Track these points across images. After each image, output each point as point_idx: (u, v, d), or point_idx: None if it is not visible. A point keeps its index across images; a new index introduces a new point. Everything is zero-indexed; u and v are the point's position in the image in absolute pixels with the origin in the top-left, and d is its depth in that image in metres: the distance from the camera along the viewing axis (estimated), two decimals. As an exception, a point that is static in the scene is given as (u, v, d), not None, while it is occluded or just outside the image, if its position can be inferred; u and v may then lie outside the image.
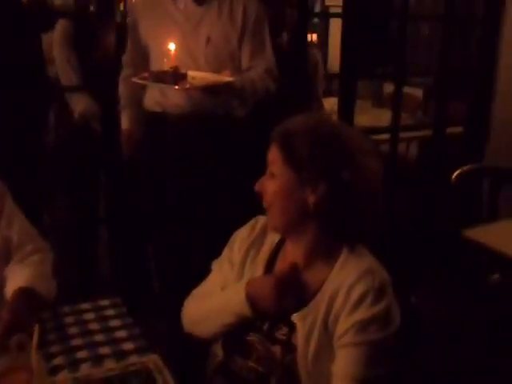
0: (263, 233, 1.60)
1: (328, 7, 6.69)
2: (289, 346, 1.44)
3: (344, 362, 1.37)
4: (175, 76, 2.20)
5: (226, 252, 1.65)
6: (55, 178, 3.29)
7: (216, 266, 1.67)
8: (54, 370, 1.41)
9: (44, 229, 2.02)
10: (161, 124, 2.56)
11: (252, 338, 1.50)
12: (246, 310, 1.46)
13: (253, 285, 1.48)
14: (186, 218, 2.61)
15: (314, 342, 1.40)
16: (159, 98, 2.55)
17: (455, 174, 2.78)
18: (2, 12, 2.73)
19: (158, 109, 2.56)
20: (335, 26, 5.00)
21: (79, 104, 3.07)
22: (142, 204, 2.79)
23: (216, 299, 1.58)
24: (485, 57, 3.67)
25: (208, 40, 2.46)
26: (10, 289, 1.69)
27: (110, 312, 1.71)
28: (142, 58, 2.59)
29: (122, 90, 2.72)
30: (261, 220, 1.61)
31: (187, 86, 2.22)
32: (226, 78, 2.31)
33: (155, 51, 2.52)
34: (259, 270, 1.55)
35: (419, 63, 5.12)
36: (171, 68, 2.20)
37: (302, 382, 1.41)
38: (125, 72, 2.70)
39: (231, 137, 2.56)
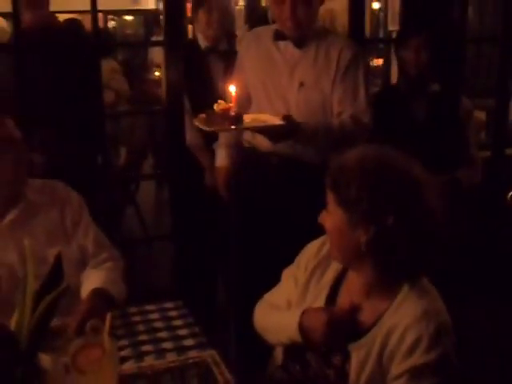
0: (328, 258, 1.61)
1: (391, 32, 6.76)
2: (342, 372, 1.48)
3: None
4: (230, 117, 2.19)
5: (294, 265, 1.70)
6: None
7: (284, 276, 1.73)
8: (122, 360, 1.57)
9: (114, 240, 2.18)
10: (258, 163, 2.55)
11: (309, 357, 1.56)
12: (297, 337, 1.52)
13: (307, 316, 1.51)
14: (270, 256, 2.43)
15: (366, 374, 1.43)
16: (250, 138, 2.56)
17: (510, 194, 2.79)
18: (65, 39, 2.99)
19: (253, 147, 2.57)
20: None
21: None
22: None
23: (277, 317, 1.65)
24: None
25: (301, 85, 2.41)
26: (86, 290, 1.87)
27: (173, 313, 1.87)
28: (246, 98, 2.54)
29: None
30: (327, 245, 1.61)
31: (243, 126, 2.24)
32: (278, 120, 2.27)
33: (254, 92, 2.54)
34: (322, 296, 1.58)
35: (482, 84, 5.11)
36: (223, 109, 2.20)
37: None
38: None
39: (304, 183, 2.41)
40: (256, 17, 5.72)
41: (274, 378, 1.66)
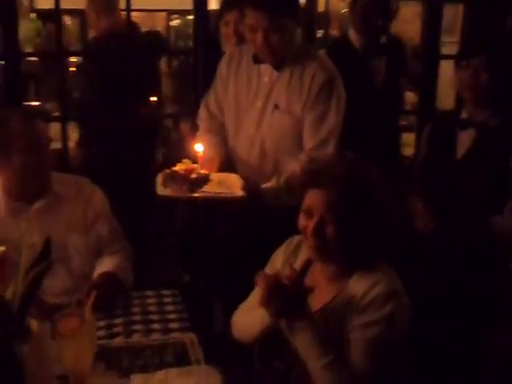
0: (297, 249, 1.86)
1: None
2: None
3: (352, 351, 1.61)
4: (191, 181, 2.15)
5: (267, 268, 1.91)
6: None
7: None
8: (113, 336, 1.84)
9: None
10: None
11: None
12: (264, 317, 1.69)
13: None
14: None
15: (330, 331, 1.65)
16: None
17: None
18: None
19: None
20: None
21: None
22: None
23: (248, 315, 1.84)
24: None
25: (275, 107, 2.41)
26: (97, 272, 2.16)
27: (168, 299, 2.10)
28: (218, 110, 2.62)
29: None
30: (295, 238, 1.88)
31: (198, 194, 2.17)
32: (239, 192, 2.20)
33: (227, 111, 2.57)
34: None
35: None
36: (185, 170, 2.19)
37: None
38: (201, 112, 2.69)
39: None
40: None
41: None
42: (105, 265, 2.20)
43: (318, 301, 1.71)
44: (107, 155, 3.40)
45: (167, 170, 2.24)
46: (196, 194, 2.16)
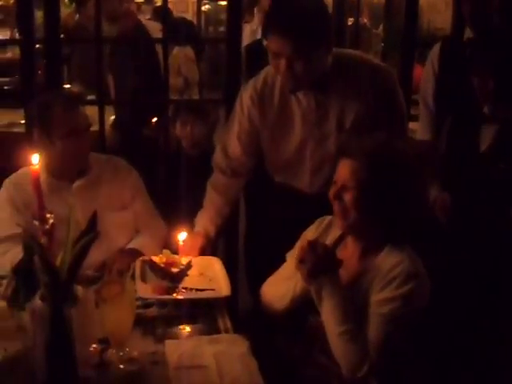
0: (327, 229, 1.96)
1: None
2: None
3: (370, 324, 1.71)
4: (171, 276, 2.06)
5: (297, 245, 2.00)
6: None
7: (289, 258, 2.04)
8: (148, 306, 1.97)
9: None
10: None
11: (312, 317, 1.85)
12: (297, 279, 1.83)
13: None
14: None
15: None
16: None
17: None
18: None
19: None
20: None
21: None
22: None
23: (281, 284, 1.95)
24: None
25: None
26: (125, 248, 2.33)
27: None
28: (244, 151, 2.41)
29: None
30: (326, 219, 1.98)
31: (181, 296, 2.00)
32: (224, 292, 2.03)
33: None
34: None
35: None
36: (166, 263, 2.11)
37: None
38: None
39: None
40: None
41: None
42: (134, 242, 2.38)
43: (346, 276, 1.82)
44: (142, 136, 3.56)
45: (145, 259, 2.16)
46: (179, 297, 1.99)
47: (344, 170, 1.79)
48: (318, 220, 2.01)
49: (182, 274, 2.09)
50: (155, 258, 2.14)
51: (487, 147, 2.46)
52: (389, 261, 1.76)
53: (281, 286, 1.95)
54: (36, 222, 1.80)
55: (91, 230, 1.58)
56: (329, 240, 1.91)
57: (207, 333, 1.85)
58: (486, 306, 2.45)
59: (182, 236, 2.16)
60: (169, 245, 2.30)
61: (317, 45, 2.08)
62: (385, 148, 1.80)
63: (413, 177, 1.81)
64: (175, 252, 2.19)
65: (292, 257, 1.98)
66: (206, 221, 2.43)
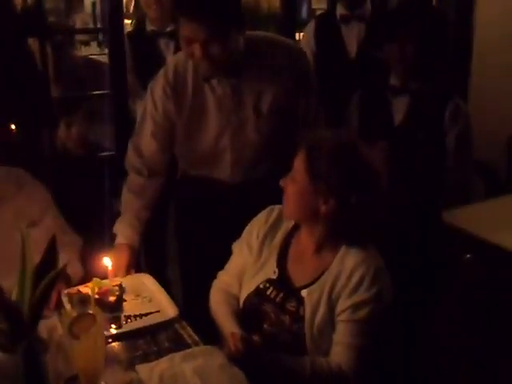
0: (279, 220, 1.88)
1: (314, 10, 7.00)
2: (297, 316, 1.72)
3: (342, 333, 1.68)
4: (110, 305, 1.86)
5: (245, 236, 1.92)
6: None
7: (236, 249, 1.95)
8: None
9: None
10: None
11: (266, 307, 1.79)
12: None
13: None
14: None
15: (320, 315, 1.69)
16: None
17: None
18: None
19: None
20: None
21: None
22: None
23: (223, 317, 1.85)
24: None
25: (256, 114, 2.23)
26: None
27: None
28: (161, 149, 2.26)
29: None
30: (276, 209, 1.89)
31: (128, 329, 1.80)
32: (170, 313, 1.87)
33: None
34: (274, 255, 1.83)
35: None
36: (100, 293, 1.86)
37: (307, 346, 1.70)
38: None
39: None
40: None
41: None
42: None
43: (305, 275, 1.77)
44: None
45: (71, 292, 1.90)
46: (127, 329, 1.80)
47: (300, 166, 1.72)
48: (267, 210, 1.92)
49: (120, 301, 1.90)
50: (85, 290, 1.89)
51: (402, 119, 2.49)
52: (349, 259, 1.71)
53: (222, 308, 1.88)
54: None
55: (52, 261, 1.37)
56: (281, 232, 1.86)
57: (174, 350, 1.70)
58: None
59: (107, 260, 1.96)
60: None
61: (231, 25, 1.99)
62: (343, 146, 1.72)
63: (370, 173, 1.72)
64: (103, 277, 1.95)
65: (241, 249, 1.92)
66: (127, 229, 2.24)
